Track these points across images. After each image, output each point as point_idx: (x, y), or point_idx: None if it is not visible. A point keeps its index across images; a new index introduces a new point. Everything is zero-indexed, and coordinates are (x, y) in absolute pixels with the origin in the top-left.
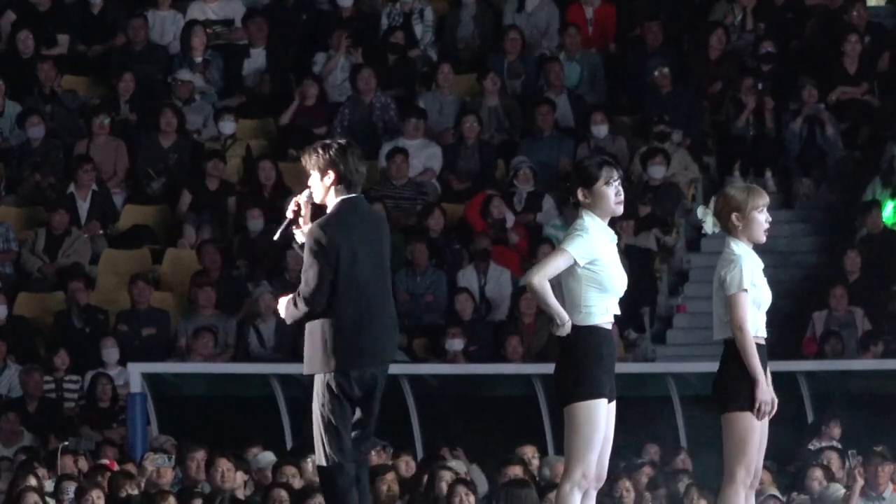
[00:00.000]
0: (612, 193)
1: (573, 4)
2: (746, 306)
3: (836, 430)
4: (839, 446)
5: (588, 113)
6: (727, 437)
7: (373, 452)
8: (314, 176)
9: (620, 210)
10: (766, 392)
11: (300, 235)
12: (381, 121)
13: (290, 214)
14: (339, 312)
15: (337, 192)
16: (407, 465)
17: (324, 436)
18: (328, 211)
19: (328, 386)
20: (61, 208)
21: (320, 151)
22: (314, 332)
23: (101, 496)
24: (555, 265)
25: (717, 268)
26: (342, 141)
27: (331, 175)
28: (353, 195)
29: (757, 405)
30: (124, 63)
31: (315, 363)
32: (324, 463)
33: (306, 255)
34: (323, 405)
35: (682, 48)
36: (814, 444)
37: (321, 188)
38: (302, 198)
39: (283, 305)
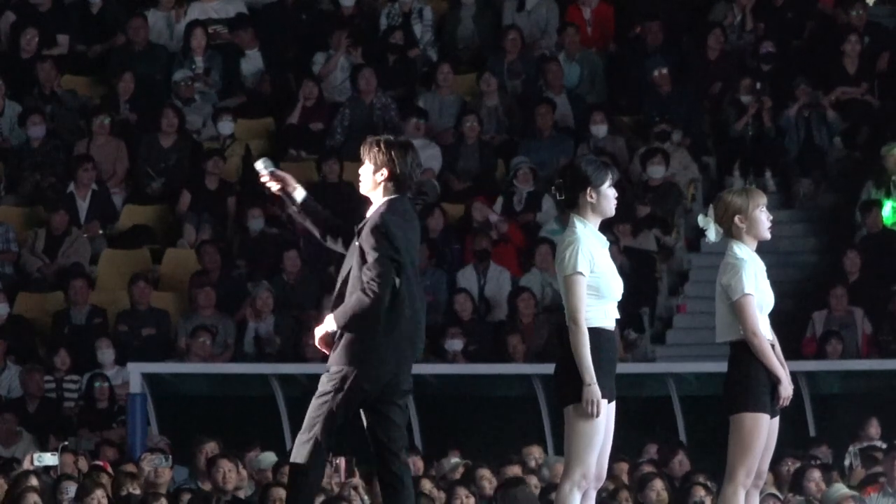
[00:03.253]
0: (612, 196)
1: (571, 5)
2: (754, 309)
3: (874, 430)
4: (883, 445)
5: (588, 113)
6: (732, 437)
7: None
8: (367, 167)
9: (613, 212)
10: (787, 388)
11: (299, 193)
12: (381, 121)
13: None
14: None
15: (385, 191)
16: (413, 465)
17: (309, 434)
18: (375, 207)
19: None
20: (61, 208)
21: (382, 146)
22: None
23: (102, 496)
24: (581, 294)
25: (720, 272)
26: (404, 140)
27: (384, 172)
28: (401, 195)
29: (781, 401)
30: (124, 63)
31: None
32: (297, 460)
33: (372, 248)
34: (333, 398)
35: (681, 48)
36: (854, 446)
37: (370, 181)
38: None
39: (333, 317)
